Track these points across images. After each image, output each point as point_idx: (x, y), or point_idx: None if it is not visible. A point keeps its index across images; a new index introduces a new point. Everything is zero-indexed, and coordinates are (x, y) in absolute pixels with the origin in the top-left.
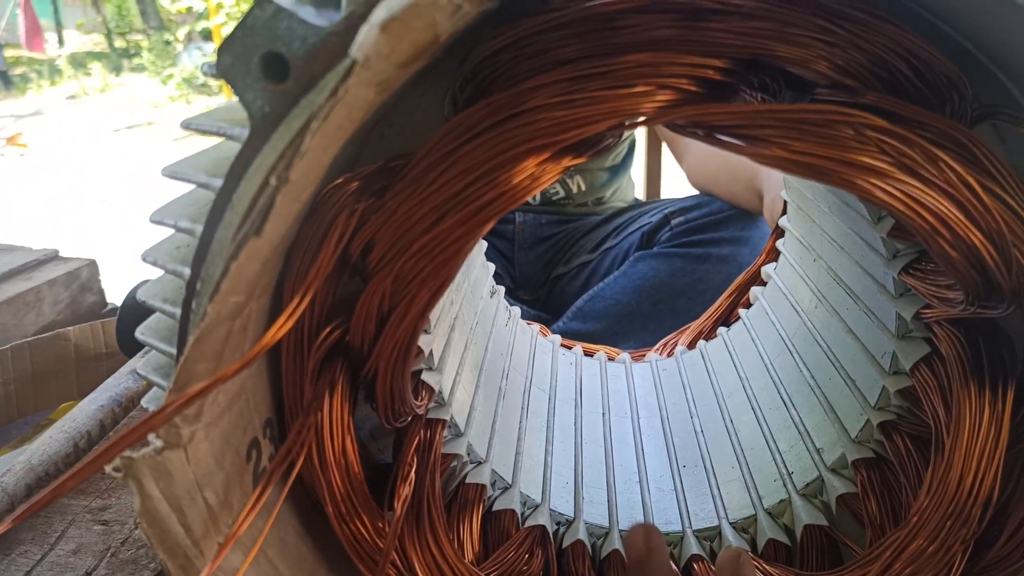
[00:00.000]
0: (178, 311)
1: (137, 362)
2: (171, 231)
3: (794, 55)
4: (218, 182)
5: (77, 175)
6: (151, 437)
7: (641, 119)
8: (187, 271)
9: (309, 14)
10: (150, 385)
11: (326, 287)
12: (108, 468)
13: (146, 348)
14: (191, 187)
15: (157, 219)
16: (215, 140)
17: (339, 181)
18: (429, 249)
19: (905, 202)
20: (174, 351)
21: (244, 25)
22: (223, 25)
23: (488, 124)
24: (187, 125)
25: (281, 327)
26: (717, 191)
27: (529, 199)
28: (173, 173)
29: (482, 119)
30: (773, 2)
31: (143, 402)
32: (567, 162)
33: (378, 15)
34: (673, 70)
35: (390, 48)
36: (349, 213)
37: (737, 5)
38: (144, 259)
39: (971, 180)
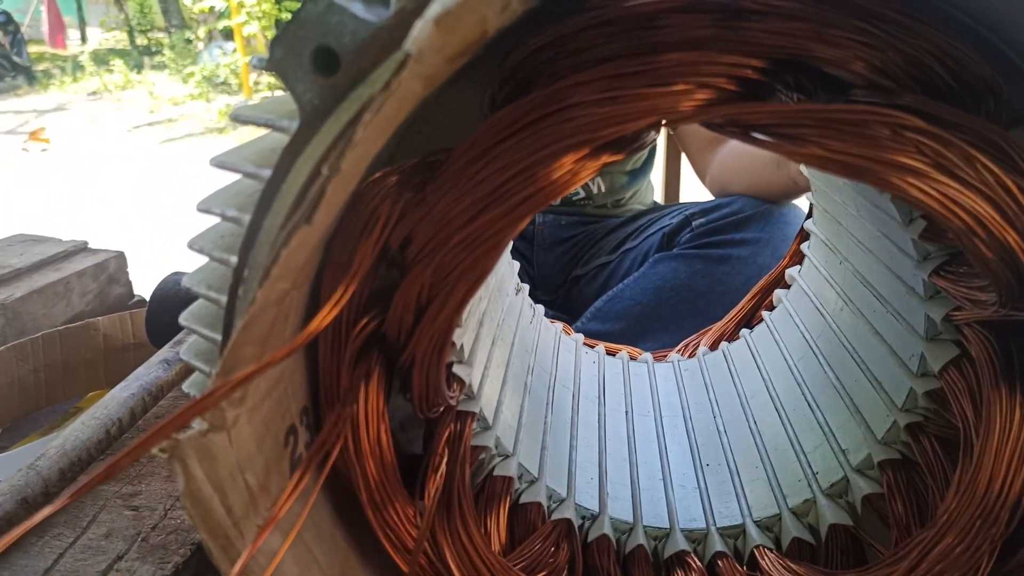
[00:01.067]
0: (223, 298)
1: (166, 352)
2: (214, 220)
3: (831, 56)
4: (266, 172)
5: (99, 170)
6: (195, 420)
7: (680, 117)
8: (234, 259)
9: (359, 9)
10: (180, 375)
11: (364, 278)
12: (155, 449)
13: (176, 338)
14: (233, 178)
15: (204, 208)
16: (230, 137)
17: (379, 175)
18: (469, 242)
19: (942, 202)
20: (218, 337)
21: (297, 19)
22: (244, 24)
23: (528, 120)
24: (236, 116)
25: (327, 315)
26: (741, 183)
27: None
28: (221, 163)
29: (522, 115)
30: (811, 3)
31: (184, 387)
32: (605, 159)
33: (433, 10)
34: (712, 69)
35: (442, 42)
36: (391, 205)
37: (776, 6)
38: (190, 247)
39: (1008, 181)
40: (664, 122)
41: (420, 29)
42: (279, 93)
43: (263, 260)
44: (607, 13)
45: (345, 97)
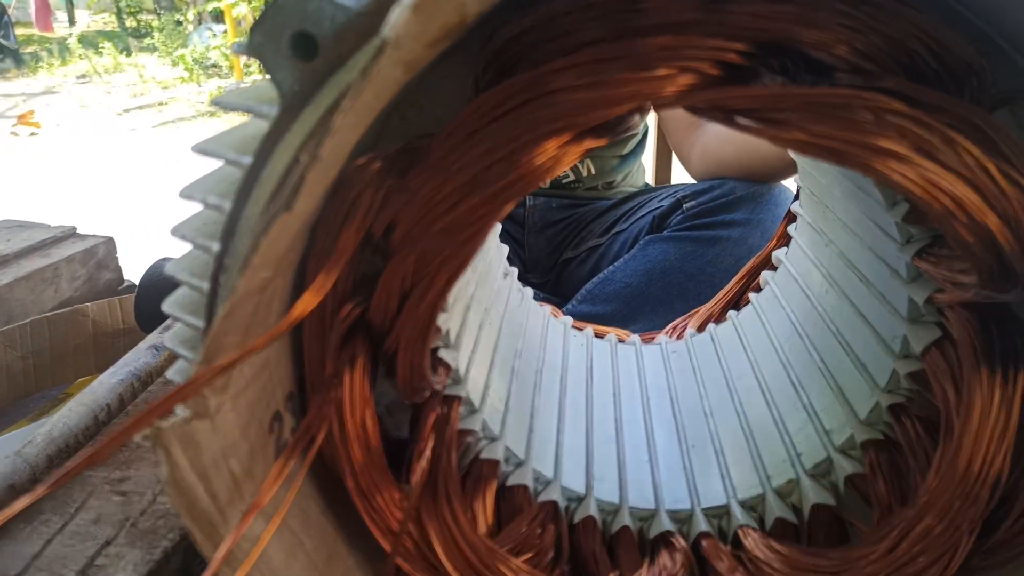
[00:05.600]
0: (206, 285)
1: (155, 338)
2: (198, 208)
3: (815, 39)
4: (247, 159)
5: (89, 154)
6: (179, 408)
7: (663, 102)
8: (216, 246)
9: None
10: (169, 361)
11: (348, 264)
12: (138, 437)
13: (166, 324)
14: (218, 164)
15: (186, 195)
16: (221, 120)
17: (362, 161)
18: (451, 228)
19: (922, 186)
20: (201, 324)
21: (275, 5)
22: (234, 6)
23: (510, 106)
24: (218, 102)
25: (309, 301)
26: (732, 165)
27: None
28: (203, 150)
29: (504, 100)
30: None
31: (168, 374)
32: (588, 144)
33: None
34: (695, 53)
35: (420, 28)
36: (374, 191)
37: None
38: (173, 234)
39: (988, 164)
40: (648, 107)
41: (397, 15)
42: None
43: (244, 248)
44: None
45: (324, 83)
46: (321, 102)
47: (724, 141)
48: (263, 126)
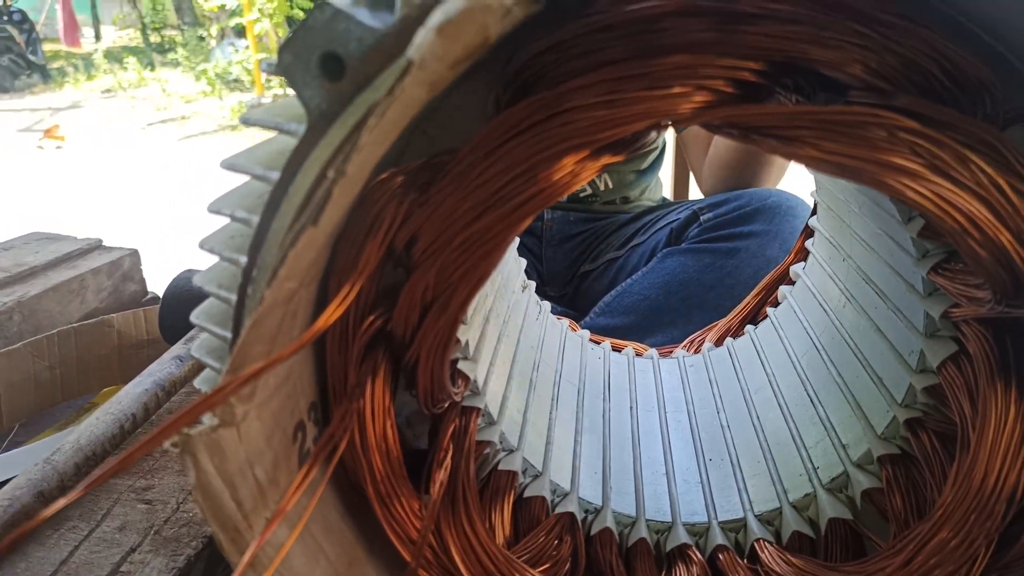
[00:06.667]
0: (233, 296)
1: (179, 349)
2: (225, 221)
3: (828, 58)
4: (274, 175)
5: (113, 168)
6: (206, 416)
7: (678, 119)
8: (243, 258)
9: (365, 16)
10: (192, 371)
11: (370, 277)
12: (166, 444)
13: (189, 335)
14: (244, 179)
15: (214, 209)
16: (242, 134)
17: (385, 176)
18: (471, 243)
19: (936, 202)
20: (228, 335)
21: (305, 26)
22: (256, 21)
23: (530, 123)
24: (246, 120)
25: (333, 312)
26: (732, 175)
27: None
28: (231, 165)
29: (524, 117)
30: (809, 6)
31: (196, 383)
32: (606, 160)
33: (435, 19)
34: (710, 72)
35: (444, 50)
36: (396, 205)
37: (774, 9)
38: (201, 247)
39: (1001, 182)
40: (665, 124)
41: (422, 37)
42: (291, 91)
43: (271, 260)
44: (609, 17)
45: (351, 102)
46: (347, 120)
47: (723, 147)
48: (290, 142)
